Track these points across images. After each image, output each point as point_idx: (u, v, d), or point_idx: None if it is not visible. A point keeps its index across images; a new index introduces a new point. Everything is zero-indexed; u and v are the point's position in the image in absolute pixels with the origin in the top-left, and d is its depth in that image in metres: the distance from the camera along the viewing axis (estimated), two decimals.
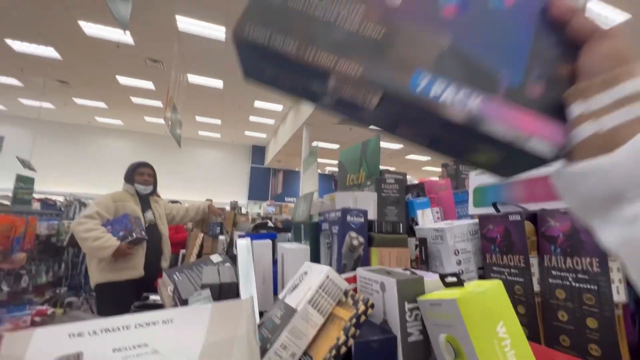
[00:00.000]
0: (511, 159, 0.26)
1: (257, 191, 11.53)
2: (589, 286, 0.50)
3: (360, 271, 0.60)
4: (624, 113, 0.21)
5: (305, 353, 0.49)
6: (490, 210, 0.74)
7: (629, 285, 0.49)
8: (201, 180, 10.99)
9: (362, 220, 0.67)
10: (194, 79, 7.00)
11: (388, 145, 8.91)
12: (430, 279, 0.54)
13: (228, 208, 2.52)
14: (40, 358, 0.30)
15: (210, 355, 0.33)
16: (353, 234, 0.65)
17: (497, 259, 0.65)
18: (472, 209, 0.80)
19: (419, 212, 0.85)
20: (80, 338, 0.31)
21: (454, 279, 0.48)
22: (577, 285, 0.52)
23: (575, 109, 0.24)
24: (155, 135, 10.95)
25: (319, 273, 0.55)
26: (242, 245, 0.77)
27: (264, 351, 0.49)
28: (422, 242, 0.74)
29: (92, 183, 9.38)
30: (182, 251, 3.29)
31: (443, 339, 0.45)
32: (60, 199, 3.68)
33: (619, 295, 0.47)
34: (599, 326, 0.48)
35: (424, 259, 0.72)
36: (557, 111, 0.25)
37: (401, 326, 0.49)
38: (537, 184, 0.66)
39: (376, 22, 0.25)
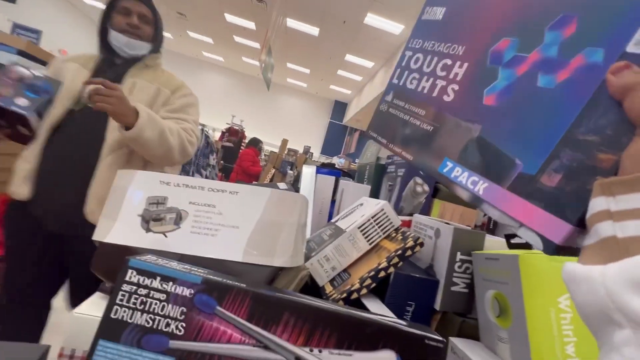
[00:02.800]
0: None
1: (331, 146, 11.71)
2: None
3: (418, 216, 0.58)
4: None
5: (345, 270, 0.52)
6: None
7: None
8: (280, 125, 11.55)
9: None
10: (292, 23, 7.04)
11: None
12: (493, 238, 0.49)
13: (301, 151, 2.63)
14: (138, 192, 0.38)
15: (262, 229, 0.37)
16: (419, 180, 0.62)
17: None
18: None
19: None
20: (167, 186, 0.38)
21: (522, 241, 0.43)
22: None
23: (599, 203, 0.20)
24: (248, 76, 11.66)
25: (375, 205, 0.55)
26: (307, 172, 0.81)
27: (308, 258, 0.53)
28: None
29: None
30: (255, 183, 3.62)
31: (491, 294, 0.42)
32: None
33: None
34: None
35: (492, 227, 0.66)
36: (571, 206, 0.22)
37: (447, 274, 0.47)
38: None
39: (431, 119, 0.35)
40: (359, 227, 0.52)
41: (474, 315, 0.47)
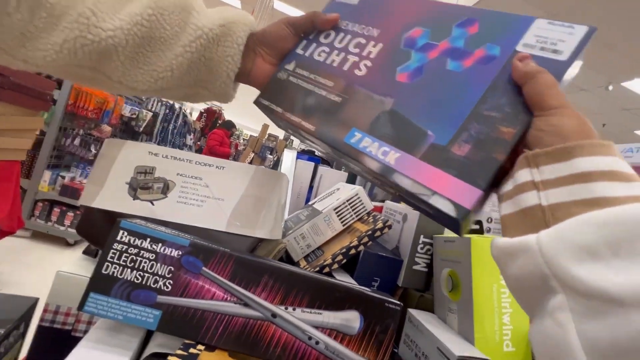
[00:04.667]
0: (436, 212, 0.26)
1: None
2: None
3: (389, 203, 0.63)
4: (569, 191, 0.19)
5: (319, 248, 0.56)
6: None
7: None
8: (261, 113, 11.36)
9: None
10: (279, 5, 6.88)
11: None
12: None
13: (281, 137, 2.63)
14: (127, 161, 0.39)
15: (246, 203, 0.40)
16: None
17: None
18: None
19: None
20: (155, 157, 0.39)
21: (477, 226, 0.49)
22: None
23: (523, 175, 0.21)
24: None
25: (351, 190, 0.59)
26: (288, 155, 0.84)
27: (285, 236, 0.57)
28: None
29: None
30: None
31: (446, 272, 0.47)
32: None
33: None
34: None
35: None
36: (480, 173, 0.24)
37: (410, 254, 0.53)
38: None
39: (339, 91, 0.34)
40: (334, 209, 0.56)
41: (430, 291, 0.53)
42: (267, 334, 0.31)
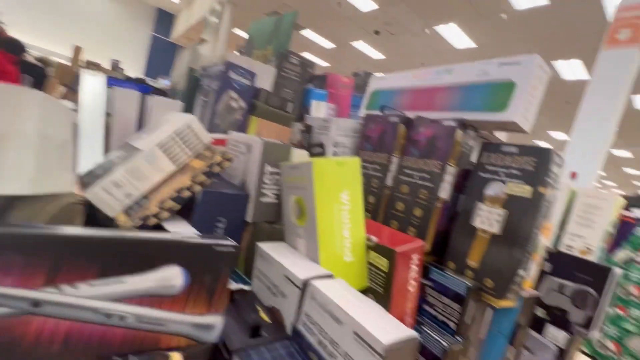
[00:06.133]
0: None
1: (157, 67, 9.74)
2: (427, 184, 0.58)
3: (232, 133, 0.55)
4: None
5: (145, 197, 0.44)
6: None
7: (456, 190, 0.59)
8: (75, 31, 8.47)
9: (248, 82, 0.59)
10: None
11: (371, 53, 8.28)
12: (300, 152, 0.53)
13: (107, 66, 2.04)
14: None
15: None
16: (233, 95, 0.58)
17: (367, 156, 0.69)
18: (363, 111, 0.81)
19: (313, 103, 0.82)
20: None
21: (320, 150, 0.48)
22: (420, 182, 0.60)
23: None
24: None
25: (181, 120, 0.47)
26: (90, 81, 0.61)
27: (87, 186, 0.42)
28: (308, 129, 0.72)
29: None
30: None
31: (293, 199, 0.46)
32: None
33: (444, 193, 0.57)
34: (421, 214, 0.58)
35: (305, 146, 0.72)
36: None
37: (258, 186, 0.48)
38: (424, 94, 0.69)
39: None
40: (158, 145, 0.44)
41: (281, 222, 0.52)
42: (29, 331, 0.21)
